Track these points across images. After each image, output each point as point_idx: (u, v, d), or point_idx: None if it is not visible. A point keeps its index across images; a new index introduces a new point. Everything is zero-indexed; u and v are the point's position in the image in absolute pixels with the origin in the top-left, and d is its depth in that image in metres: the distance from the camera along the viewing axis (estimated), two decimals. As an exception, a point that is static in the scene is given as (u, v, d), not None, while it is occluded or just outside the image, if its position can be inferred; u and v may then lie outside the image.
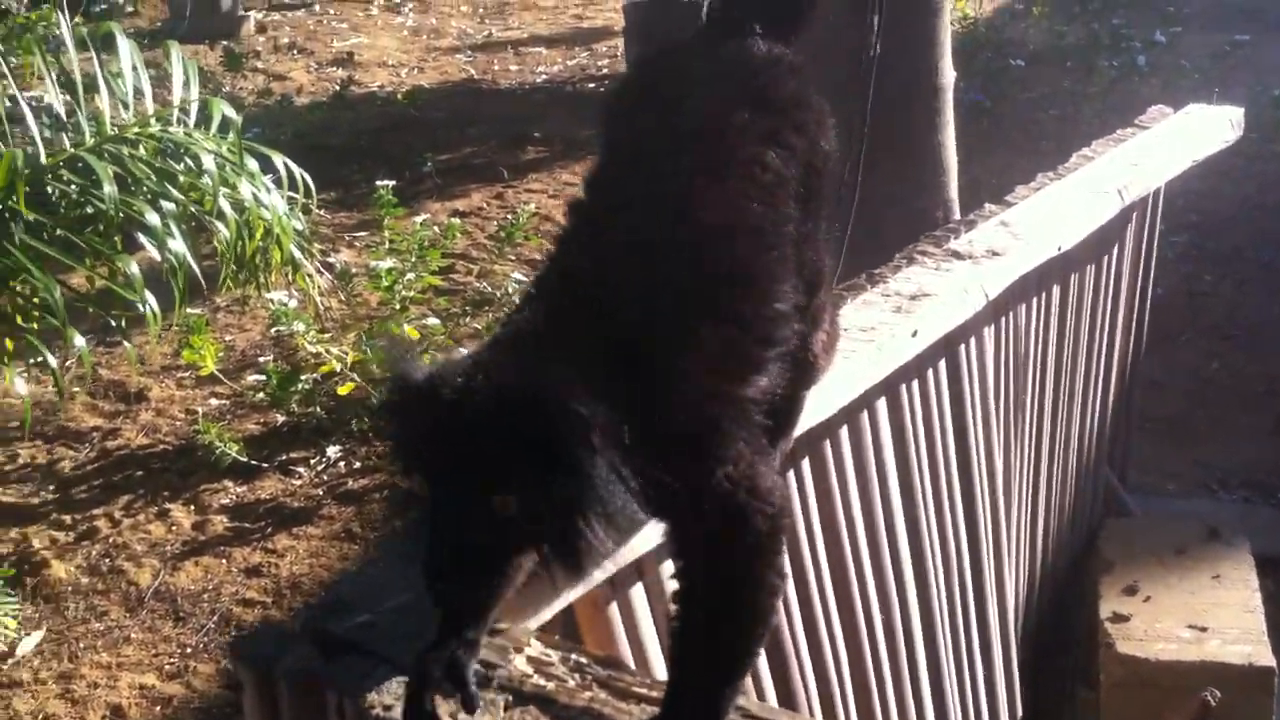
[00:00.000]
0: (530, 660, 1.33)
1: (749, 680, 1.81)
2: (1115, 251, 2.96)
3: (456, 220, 5.95)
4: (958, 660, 2.42)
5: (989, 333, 2.41)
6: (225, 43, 10.00)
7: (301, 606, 3.65)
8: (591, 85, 9.51)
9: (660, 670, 1.66)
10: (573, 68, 10.04)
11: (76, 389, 4.95)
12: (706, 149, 1.44)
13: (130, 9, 11.35)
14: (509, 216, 6.61)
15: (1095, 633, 2.79)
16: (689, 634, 1.30)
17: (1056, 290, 2.68)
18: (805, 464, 1.95)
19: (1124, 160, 2.87)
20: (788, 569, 1.36)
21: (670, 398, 1.26)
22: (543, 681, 1.30)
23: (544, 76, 9.76)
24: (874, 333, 2.01)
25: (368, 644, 1.34)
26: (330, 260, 5.82)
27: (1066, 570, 3.05)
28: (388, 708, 1.24)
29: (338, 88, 8.85)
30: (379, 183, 5.30)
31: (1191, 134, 3.09)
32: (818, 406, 1.83)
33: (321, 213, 6.20)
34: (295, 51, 10.09)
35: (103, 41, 4.04)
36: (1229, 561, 2.94)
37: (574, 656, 1.34)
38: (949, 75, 3.52)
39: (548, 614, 1.47)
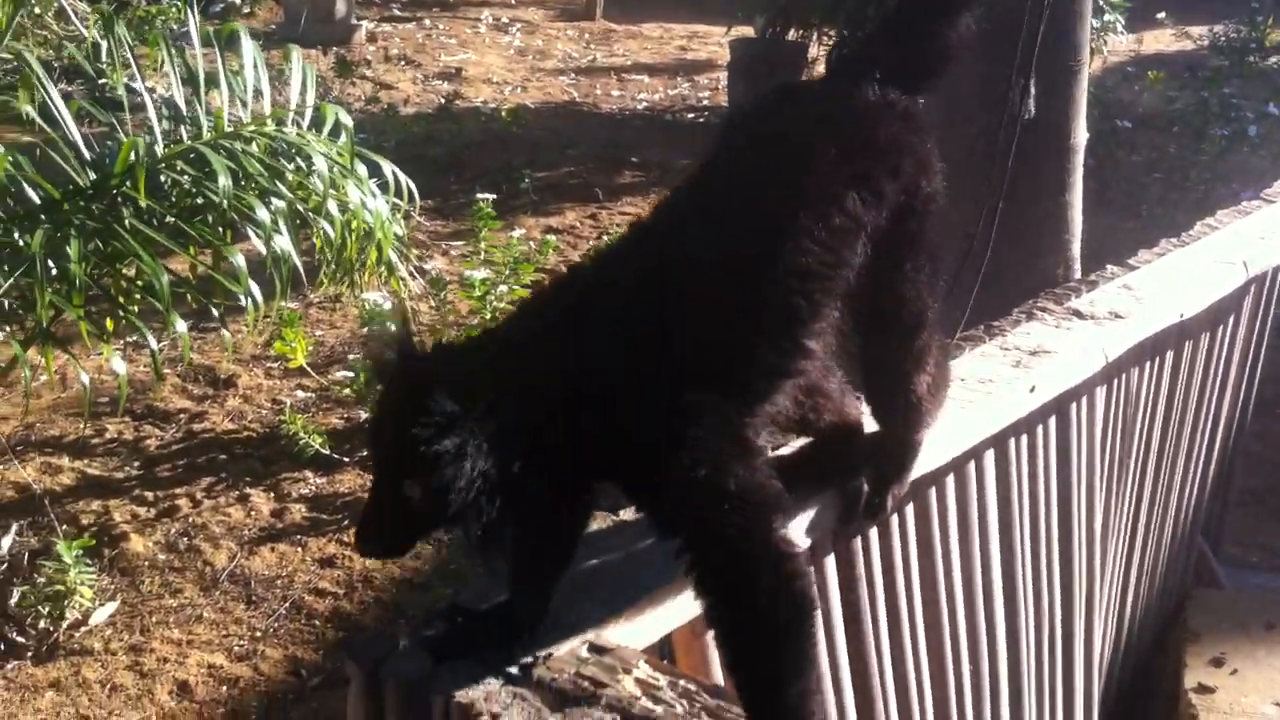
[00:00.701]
0: (639, 682, 1.33)
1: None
2: (1230, 322, 2.91)
3: (551, 237, 6.01)
4: (1039, 715, 2.37)
5: (1101, 393, 2.38)
6: (337, 49, 10.20)
7: (397, 599, 3.69)
8: (690, 115, 9.57)
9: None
10: (673, 97, 10.11)
11: (168, 371, 5.05)
12: (789, 184, 1.48)
13: (246, 10, 11.62)
14: (601, 236, 6.67)
15: (1179, 703, 2.74)
16: (721, 642, 1.34)
17: (1170, 356, 2.64)
18: (909, 510, 1.93)
19: (1250, 232, 2.82)
20: (793, 559, 1.36)
21: (665, 406, 1.34)
22: (651, 705, 1.30)
23: (644, 104, 9.84)
24: (991, 385, 1.99)
25: (475, 650, 1.36)
26: (425, 266, 5.90)
27: (1153, 637, 2.99)
28: (495, 716, 1.26)
29: (443, 100, 8.99)
30: (479, 195, 5.37)
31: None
32: (929, 455, 1.83)
33: (420, 220, 6.29)
34: (403, 62, 10.27)
35: (225, 40, 4.14)
36: (1318, 640, 2.88)
37: (682, 683, 1.35)
38: (1082, 136, 3.54)
39: (652, 639, 1.48)
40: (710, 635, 1.42)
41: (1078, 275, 3.32)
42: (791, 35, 9.19)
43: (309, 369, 5.02)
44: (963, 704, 2.10)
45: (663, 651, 1.59)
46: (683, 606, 1.48)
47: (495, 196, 6.06)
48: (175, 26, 9.83)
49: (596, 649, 1.38)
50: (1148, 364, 2.55)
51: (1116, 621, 2.78)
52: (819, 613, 1.41)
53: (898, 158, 1.56)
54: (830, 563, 1.78)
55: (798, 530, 1.61)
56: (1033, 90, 2.19)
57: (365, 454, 4.49)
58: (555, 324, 1.39)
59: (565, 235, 6.79)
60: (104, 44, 9.09)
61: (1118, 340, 2.26)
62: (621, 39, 12.21)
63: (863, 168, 1.52)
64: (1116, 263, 2.57)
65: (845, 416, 1.72)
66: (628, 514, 1.62)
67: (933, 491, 1.96)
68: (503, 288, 4.93)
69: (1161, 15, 12.47)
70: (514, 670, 1.35)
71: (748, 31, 9.74)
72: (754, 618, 1.32)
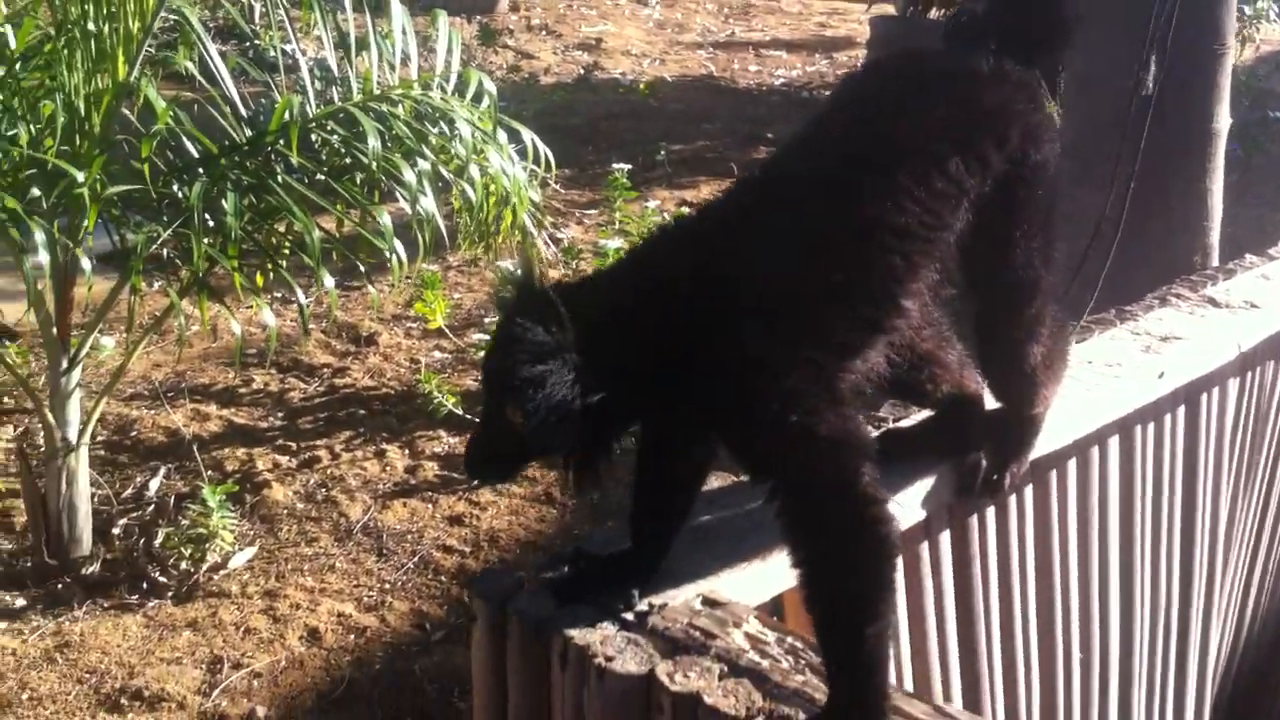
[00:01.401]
0: (748, 637, 1.38)
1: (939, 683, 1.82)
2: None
3: (685, 210, 6.05)
4: (1149, 707, 2.36)
5: (1234, 385, 2.34)
6: (481, 17, 10.35)
7: (521, 559, 3.79)
8: (827, 93, 9.49)
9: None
10: (811, 73, 10.06)
11: (313, 327, 5.22)
12: (895, 143, 1.51)
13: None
14: (734, 213, 6.68)
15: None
16: (805, 588, 1.37)
17: (1312, 353, 2.58)
18: (1028, 491, 1.94)
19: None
20: (878, 502, 1.39)
21: (761, 354, 1.38)
22: (758, 658, 1.34)
23: (782, 79, 9.80)
24: (1119, 369, 1.98)
25: (595, 594, 1.43)
26: (559, 234, 5.99)
27: (1275, 635, 2.94)
28: (609, 659, 1.31)
29: (582, 71, 9.08)
30: (615, 165, 5.43)
31: None
32: (1050, 436, 1.83)
33: (556, 188, 6.38)
34: (544, 33, 10.38)
35: (374, 4, 4.26)
36: None
37: (789, 639, 1.39)
38: (1224, 121, 3.48)
39: (763, 597, 1.52)
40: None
41: (1215, 263, 3.25)
42: (933, 14, 9.07)
43: (446, 330, 5.14)
44: (1070, 688, 2.09)
45: (775, 610, 1.62)
46: None
47: (630, 168, 6.12)
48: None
49: (710, 602, 1.42)
50: (1284, 358, 2.50)
51: (1237, 618, 2.74)
52: (900, 560, 1.43)
53: (1005, 126, 1.57)
54: (945, 537, 1.80)
55: (913, 499, 1.63)
56: (1152, 68, 2.14)
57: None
58: (660, 270, 1.44)
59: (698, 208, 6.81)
60: (258, 5, 9.40)
61: (1252, 330, 2.22)
62: (760, 13, 12.16)
63: (967, 134, 1.53)
64: (1257, 253, 2.51)
65: (965, 389, 1.74)
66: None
67: (1053, 474, 1.95)
68: (636, 257, 4.98)
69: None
70: (629, 617, 1.40)
71: (888, 9, 9.62)
72: (836, 557, 1.35)
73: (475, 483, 1.29)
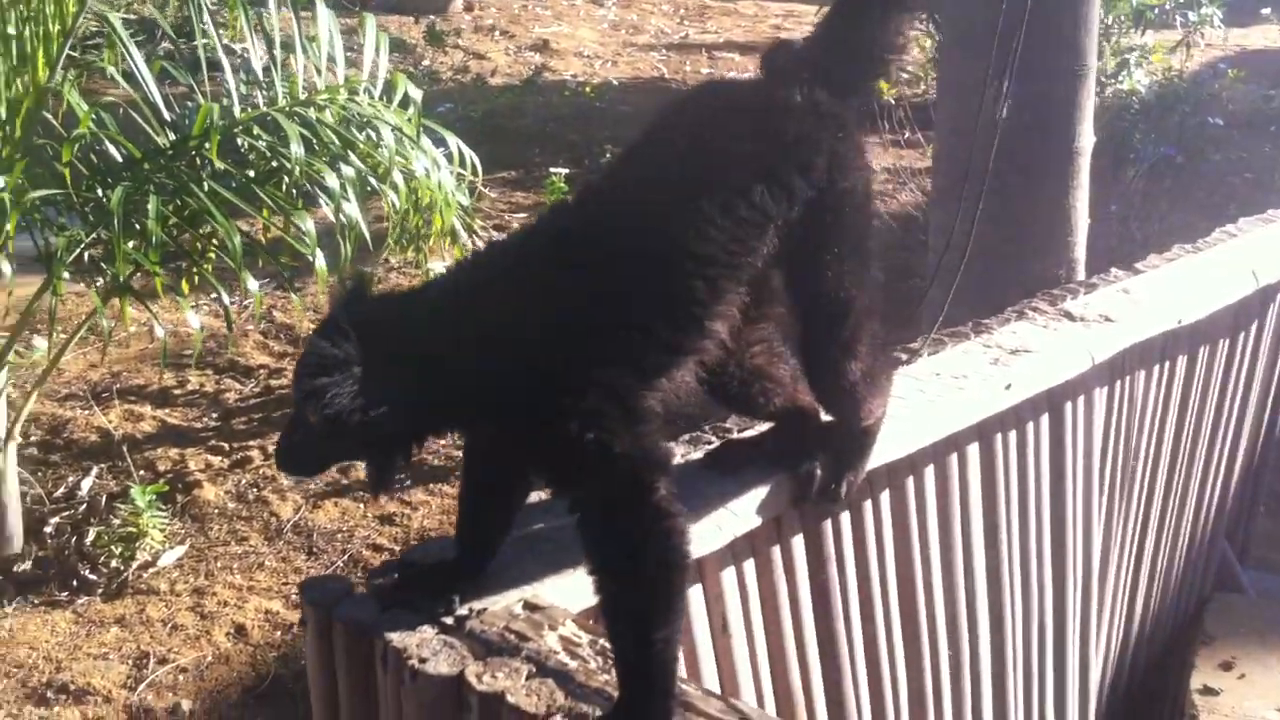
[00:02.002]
0: (561, 639, 1.45)
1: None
2: (1254, 330, 2.92)
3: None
4: (1026, 710, 2.44)
5: (1100, 395, 2.42)
6: (434, 17, 10.37)
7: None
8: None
9: (711, 675, 1.76)
10: (762, 76, 10.13)
11: (249, 328, 5.26)
12: (703, 172, 1.58)
13: (351, -25, 11.85)
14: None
15: (1182, 701, 2.78)
16: (598, 592, 1.45)
17: (1183, 360, 2.67)
18: (884, 496, 2.00)
19: (1269, 241, 2.83)
20: (673, 517, 1.47)
21: (565, 374, 1.45)
22: (568, 660, 1.42)
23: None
24: (965, 381, 2.05)
25: (417, 600, 1.50)
26: (496, 237, 6.04)
27: (1167, 637, 3.02)
28: (423, 660, 1.38)
29: (531, 72, 9.11)
30: (552, 170, 5.48)
31: (1348, 221, 3.04)
32: (893, 443, 1.90)
33: (488, 192, 6.43)
34: (497, 33, 10.41)
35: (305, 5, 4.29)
36: (1333, 648, 2.90)
37: (601, 641, 1.46)
38: (1088, 140, 3.59)
39: (588, 601, 1.58)
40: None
41: (1080, 277, 3.36)
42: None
43: (381, 332, 5.18)
44: (939, 687, 2.17)
45: None
46: None
47: (573, 171, 6.17)
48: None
49: (530, 606, 1.50)
50: (1155, 368, 2.58)
51: (1124, 620, 2.82)
52: (690, 569, 1.50)
53: (811, 155, 1.63)
54: (798, 541, 1.87)
55: (748, 507, 1.70)
56: (1005, 90, 2.21)
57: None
58: (472, 289, 1.50)
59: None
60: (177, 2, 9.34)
61: (1105, 343, 2.29)
62: (716, 15, 12.22)
63: (774, 163, 1.60)
64: (1124, 266, 2.60)
65: (799, 402, 1.81)
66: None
67: (910, 480, 2.02)
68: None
69: (1266, 10, 12.15)
70: (449, 620, 1.47)
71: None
72: (629, 567, 1.42)
73: (285, 476, 1.37)
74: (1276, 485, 4.55)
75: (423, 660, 1.38)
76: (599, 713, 1.32)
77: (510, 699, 1.32)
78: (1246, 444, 3.14)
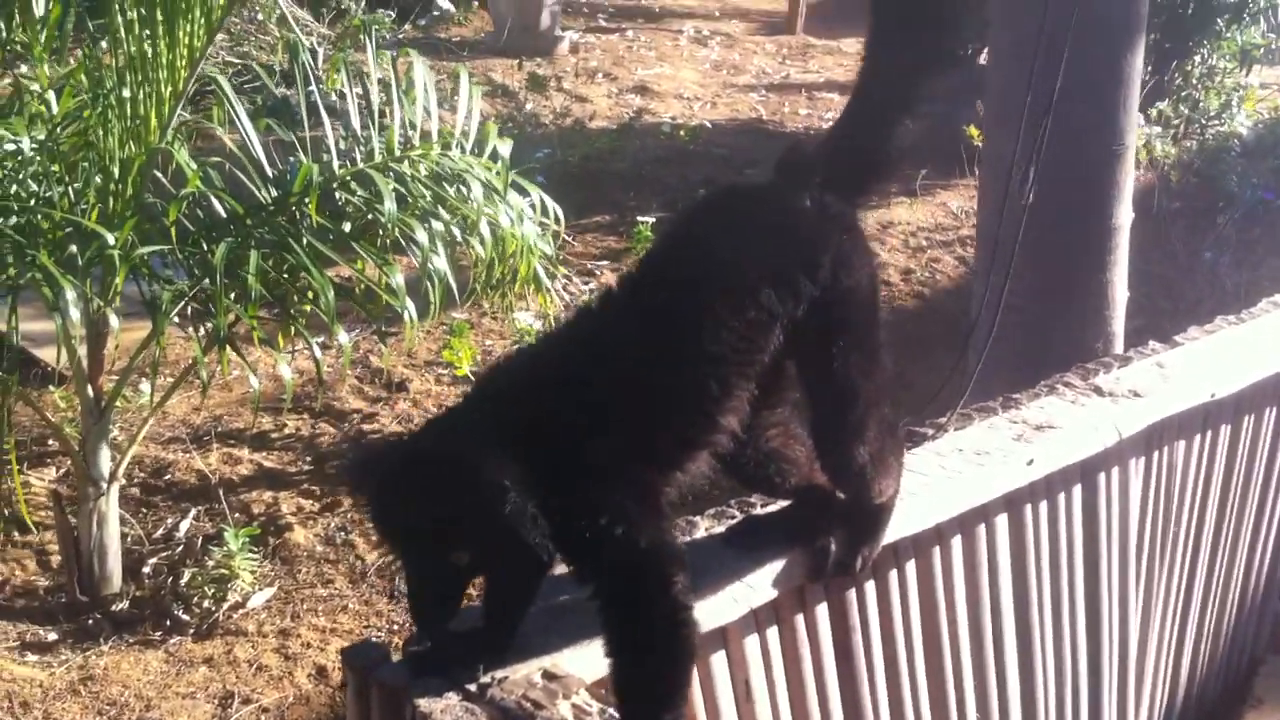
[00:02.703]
0: (574, 707, 1.54)
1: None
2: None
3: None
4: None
5: (1136, 466, 2.41)
6: (540, 59, 10.56)
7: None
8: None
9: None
10: (862, 117, 10.13)
11: (348, 373, 5.41)
12: (716, 276, 1.67)
13: (458, 19, 12.14)
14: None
15: (1232, 766, 2.74)
16: (612, 668, 1.56)
17: (1227, 430, 2.65)
18: (909, 566, 2.03)
19: (1311, 313, 2.80)
20: (685, 609, 1.56)
21: (591, 470, 1.54)
22: None
23: (830, 122, 9.88)
24: (986, 457, 2.08)
25: (446, 667, 1.59)
26: (586, 283, 6.14)
27: (1214, 701, 2.99)
28: None
29: (630, 115, 9.24)
30: (640, 218, 5.56)
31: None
32: (915, 517, 1.96)
33: (578, 239, 6.53)
34: (600, 75, 10.56)
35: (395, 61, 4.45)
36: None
37: (610, 711, 1.55)
38: (1125, 217, 3.66)
39: (600, 669, 1.65)
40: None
41: (1118, 349, 3.42)
42: (982, 59, 9.10)
43: (473, 376, 5.30)
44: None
45: None
46: None
47: (666, 215, 6.24)
48: (388, 34, 10.40)
49: (549, 675, 1.59)
50: (1195, 438, 2.56)
51: (1169, 688, 2.78)
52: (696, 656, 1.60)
53: (817, 256, 1.71)
54: (821, 608, 1.91)
55: (764, 580, 1.76)
56: (1032, 177, 2.25)
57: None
58: (510, 400, 1.59)
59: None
60: (320, 51, 9.68)
61: (1133, 418, 2.29)
62: (819, 54, 12.25)
63: (781, 265, 1.69)
64: (1163, 339, 2.59)
65: (814, 480, 1.87)
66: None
67: (936, 550, 2.05)
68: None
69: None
70: (472, 688, 1.57)
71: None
72: (645, 653, 1.53)
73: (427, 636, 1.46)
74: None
75: None
76: None
77: None
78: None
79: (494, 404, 1.61)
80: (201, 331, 3.95)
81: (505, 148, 4.09)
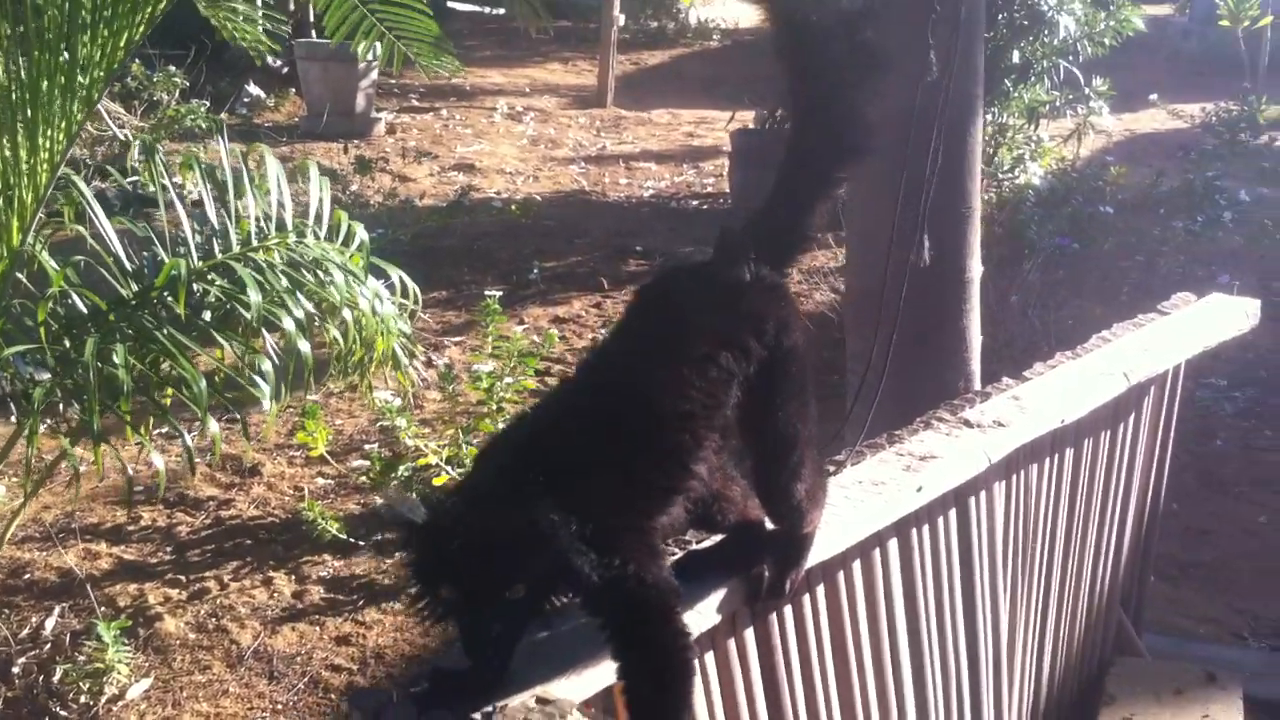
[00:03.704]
0: None
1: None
2: (1131, 421, 3.27)
3: (554, 330, 6.41)
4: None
5: (999, 489, 2.74)
6: (357, 142, 10.70)
7: (405, 673, 4.05)
8: (695, 202, 10.00)
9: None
10: (679, 184, 10.55)
11: (198, 460, 5.43)
12: (677, 344, 1.93)
13: (270, 104, 12.18)
14: (605, 325, 7.06)
15: (1088, 758, 3.09)
16: (629, 695, 1.76)
17: (1070, 453, 3.00)
18: (820, 590, 2.30)
19: (1137, 345, 3.19)
20: (686, 635, 1.81)
21: (594, 517, 1.74)
22: None
23: (651, 191, 10.27)
24: (883, 486, 2.37)
25: (450, 703, 1.76)
26: (434, 359, 6.30)
27: (1073, 699, 3.33)
28: None
29: (457, 192, 9.45)
30: (487, 292, 5.76)
31: (1207, 322, 3.41)
32: (827, 544, 2.21)
33: (424, 317, 6.69)
34: (420, 156, 10.75)
35: (246, 154, 4.57)
36: (1219, 704, 3.22)
37: None
38: (976, 270, 4.17)
39: (589, 691, 1.86)
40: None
41: (976, 386, 3.86)
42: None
43: (328, 457, 5.39)
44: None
45: (606, 704, 1.96)
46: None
47: (505, 288, 6.46)
48: (203, 125, 10.40)
49: (543, 700, 1.78)
50: (1046, 461, 2.91)
51: (1033, 688, 3.11)
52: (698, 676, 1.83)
53: (761, 322, 1.99)
54: (749, 633, 2.16)
55: (711, 606, 2.00)
56: (927, 244, 2.59)
57: (381, 540, 4.86)
58: (528, 465, 1.78)
59: (571, 325, 7.19)
60: (135, 143, 9.59)
61: (1000, 444, 2.62)
62: (631, 125, 12.68)
63: (733, 332, 1.96)
64: (1020, 363, 2.94)
65: (748, 516, 2.12)
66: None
67: (841, 574, 2.33)
68: (508, 379, 5.30)
69: (1153, 97, 12.89)
70: (477, 717, 1.74)
71: (750, 118, 10.14)
72: (655, 676, 1.75)
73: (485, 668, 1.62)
74: (1167, 551, 4.91)
75: None
76: None
77: None
78: (1133, 522, 3.47)
79: (511, 467, 1.79)
80: (64, 427, 3.98)
81: (363, 233, 4.25)
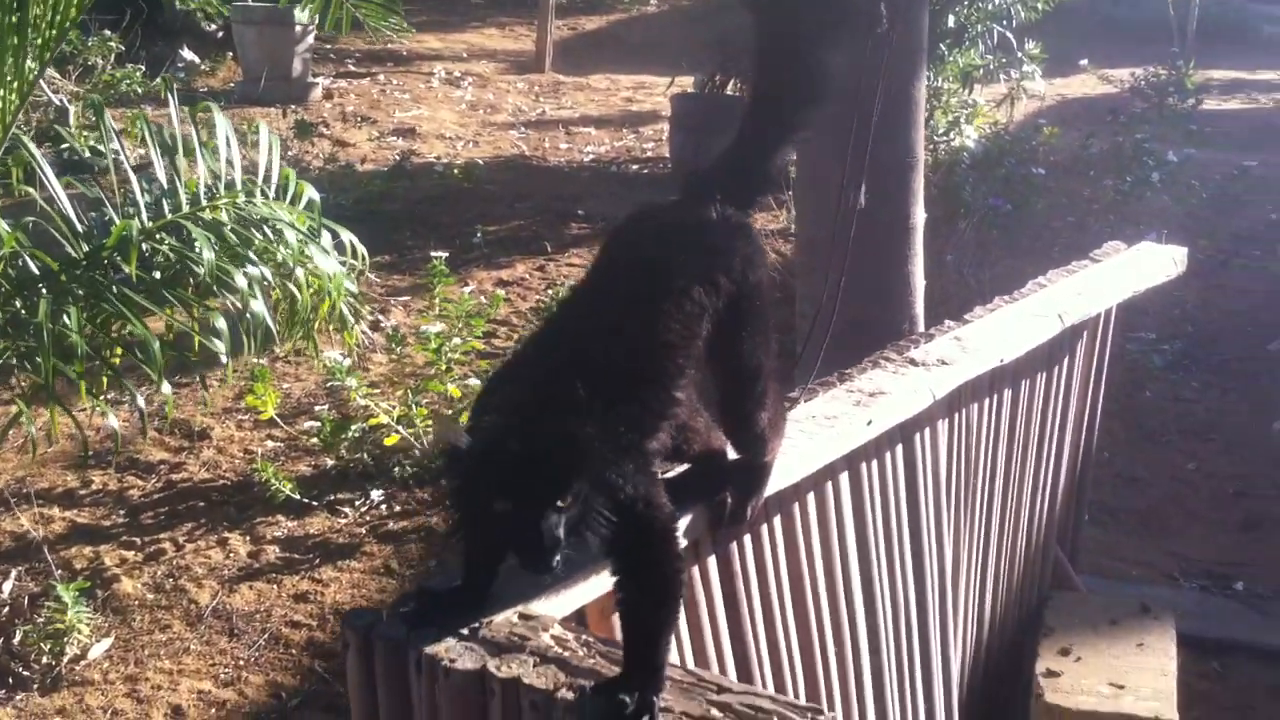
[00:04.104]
0: (554, 638, 1.84)
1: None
2: (1065, 363, 3.41)
3: (500, 291, 6.46)
4: (903, 703, 2.84)
5: (943, 426, 2.87)
6: (295, 107, 10.63)
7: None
8: (635, 166, 10.05)
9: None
10: (619, 149, 10.60)
11: (146, 425, 5.44)
12: (654, 280, 2.02)
13: (206, 69, 12.06)
14: (550, 288, 7.12)
15: (1031, 685, 3.23)
16: (624, 605, 1.85)
17: (1008, 393, 3.14)
18: (776, 520, 2.41)
19: (1071, 289, 3.34)
20: (682, 557, 1.92)
21: (605, 442, 1.79)
22: (561, 651, 1.80)
23: (591, 155, 10.31)
24: (835, 421, 2.47)
25: (438, 619, 1.85)
26: (381, 321, 6.33)
27: (1014, 630, 3.48)
28: (453, 661, 1.76)
29: (398, 157, 9.43)
30: (434, 254, 5.79)
31: (1137, 268, 3.57)
32: (783, 474, 2.31)
33: (374, 277, 6.72)
34: (360, 120, 10.71)
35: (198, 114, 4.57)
36: (1153, 634, 3.38)
37: (585, 637, 1.87)
38: (919, 217, 4.35)
39: (567, 609, 1.96)
40: (614, 619, 1.91)
41: (921, 328, 4.02)
42: (730, 89, 9.67)
43: (278, 420, 5.42)
44: (829, 678, 2.56)
45: (579, 618, 2.06)
46: (591, 587, 1.98)
47: (449, 252, 6.49)
48: (139, 90, 10.29)
49: (525, 616, 1.87)
50: (986, 400, 3.04)
51: (977, 618, 3.25)
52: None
53: (730, 259, 2.09)
54: (711, 561, 2.27)
55: (679, 532, 2.09)
56: (863, 188, 2.70)
57: (334, 500, 4.92)
58: (549, 391, 1.82)
59: (515, 287, 7.24)
60: (72, 109, 9.48)
61: (943, 381, 2.74)
62: (570, 91, 12.69)
63: (704, 267, 2.05)
64: (955, 308, 3.07)
65: (711, 447, 2.22)
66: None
67: (795, 505, 2.44)
68: (456, 340, 5.35)
69: (1084, 62, 13.11)
70: (465, 632, 1.83)
71: (689, 83, 10.19)
72: (654, 595, 1.84)
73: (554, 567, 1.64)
74: (1100, 498, 5.10)
75: (452, 661, 1.75)
76: (593, 683, 1.71)
77: (525, 681, 1.71)
78: (1068, 462, 3.62)
79: (538, 391, 1.82)
80: (16, 390, 3.99)
81: (314, 193, 4.27)
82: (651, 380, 1.95)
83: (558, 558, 1.68)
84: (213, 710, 3.77)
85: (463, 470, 1.73)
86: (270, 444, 5.40)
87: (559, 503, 1.68)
